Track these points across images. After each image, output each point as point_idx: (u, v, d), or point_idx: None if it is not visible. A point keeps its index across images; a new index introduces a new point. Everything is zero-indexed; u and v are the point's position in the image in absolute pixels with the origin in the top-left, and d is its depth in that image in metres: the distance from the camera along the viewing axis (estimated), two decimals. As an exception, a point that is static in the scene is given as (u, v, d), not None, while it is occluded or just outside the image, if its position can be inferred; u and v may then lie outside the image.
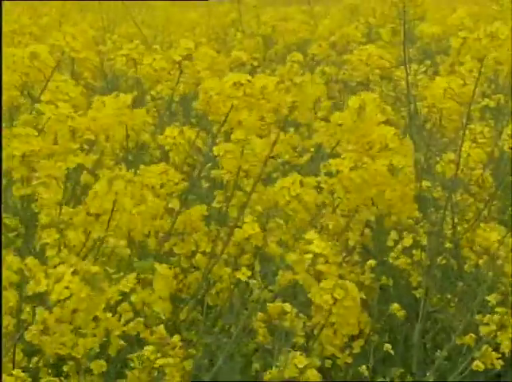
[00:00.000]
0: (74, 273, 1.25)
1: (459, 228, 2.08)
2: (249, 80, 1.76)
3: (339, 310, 1.44)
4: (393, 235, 2.10)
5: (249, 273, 1.83)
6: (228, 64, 2.40)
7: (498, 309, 1.77)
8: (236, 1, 4.27)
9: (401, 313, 1.96)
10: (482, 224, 2.02)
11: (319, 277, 1.47)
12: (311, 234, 1.53)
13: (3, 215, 2.07)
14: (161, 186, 1.90)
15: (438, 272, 2.08)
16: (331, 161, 1.74)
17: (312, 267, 1.47)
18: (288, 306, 1.58)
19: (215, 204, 1.97)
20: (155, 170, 1.89)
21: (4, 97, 2.11)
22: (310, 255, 1.47)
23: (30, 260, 1.51)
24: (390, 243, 2.11)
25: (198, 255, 1.94)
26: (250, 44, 3.76)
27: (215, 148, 1.85)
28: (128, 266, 1.68)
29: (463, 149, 2.00)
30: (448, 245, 2.09)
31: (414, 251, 2.05)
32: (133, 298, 1.53)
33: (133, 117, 1.85)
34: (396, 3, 2.43)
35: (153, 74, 2.07)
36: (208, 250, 1.92)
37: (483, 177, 2.13)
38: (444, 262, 2.07)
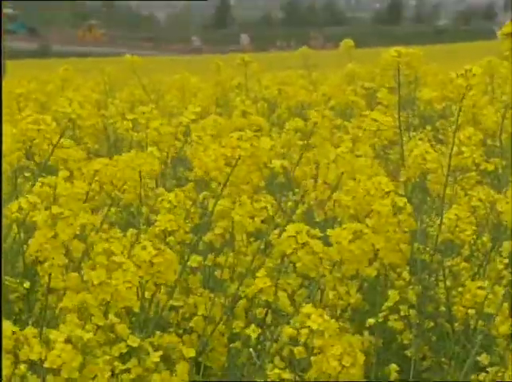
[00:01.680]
0: (67, 341, 1.23)
1: (453, 292, 2.07)
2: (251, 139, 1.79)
3: (345, 377, 1.43)
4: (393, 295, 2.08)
5: (258, 330, 1.81)
6: (233, 130, 2.44)
7: (490, 369, 1.76)
8: (241, 65, 4.36)
9: (395, 375, 1.94)
10: (471, 282, 2.01)
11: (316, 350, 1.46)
12: (308, 308, 1.52)
13: (5, 277, 2.06)
14: (170, 234, 1.91)
15: (431, 334, 2.06)
16: (329, 231, 1.74)
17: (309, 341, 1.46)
18: (287, 373, 1.56)
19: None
20: (164, 219, 1.91)
21: (7, 160, 2.13)
22: (306, 331, 1.46)
23: (28, 329, 1.49)
24: (383, 302, 2.09)
25: (195, 318, 1.92)
26: (254, 108, 3.84)
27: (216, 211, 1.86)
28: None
29: (455, 212, 2.02)
30: (441, 308, 2.08)
31: (401, 307, 2.03)
32: (155, 376, 1.51)
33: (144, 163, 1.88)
34: (395, 69, 2.49)
35: (158, 138, 2.11)
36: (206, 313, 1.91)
37: (482, 242, 2.14)
38: (433, 324, 2.05)
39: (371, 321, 1.89)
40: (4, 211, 1.96)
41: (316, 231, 1.75)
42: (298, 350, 1.47)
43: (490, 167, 2.50)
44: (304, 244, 1.71)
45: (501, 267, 1.97)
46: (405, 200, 1.70)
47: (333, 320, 1.49)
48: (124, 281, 1.52)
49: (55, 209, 1.62)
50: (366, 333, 1.93)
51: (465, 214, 2.05)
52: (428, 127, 3.32)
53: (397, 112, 3.15)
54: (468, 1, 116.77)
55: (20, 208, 1.90)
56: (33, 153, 2.17)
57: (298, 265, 1.71)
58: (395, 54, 2.39)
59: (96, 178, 1.94)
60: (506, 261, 1.97)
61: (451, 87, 2.08)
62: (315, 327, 1.46)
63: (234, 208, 1.86)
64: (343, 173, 1.95)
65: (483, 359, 1.79)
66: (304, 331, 1.47)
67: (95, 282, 1.53)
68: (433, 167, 2.06)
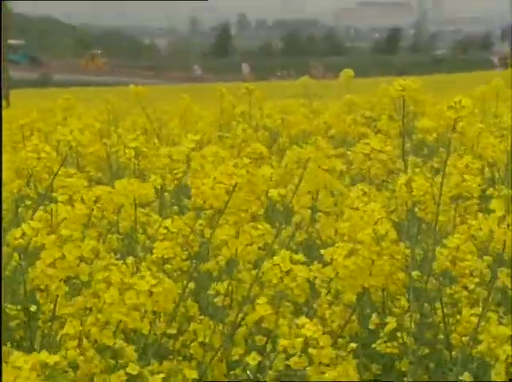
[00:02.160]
0: (32, 368, 1.23)
1: (450, 320, 2.08)
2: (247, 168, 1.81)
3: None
4: (375, 318, 2.09)
5: (258, 358, 1.81)
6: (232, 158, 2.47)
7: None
8: (245, 94, 4.41)
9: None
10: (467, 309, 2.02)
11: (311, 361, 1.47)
12: (302, 319, 1.54)
13: (6, 304, 2.07)
14: (168, 261, 1.91)
15: (429, 362, 2.06)
16: (323, 251, 1.76)
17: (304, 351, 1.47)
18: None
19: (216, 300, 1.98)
20: (160, 246, 1.92)
21: (8, 188, 2.16)
22: (301, 339, 1.48)
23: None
24: (372, 326, 2.10)
25: (194, 345, 1.93)
26: (256, 137, 3.88)
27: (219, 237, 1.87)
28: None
29: (456, 241, 2.03)
30: (440, 336, 2.09)
31: (399, 334, 2.03)
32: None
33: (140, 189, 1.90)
34: (394, 99, 2.52)
35: (160, 167, 2.13)
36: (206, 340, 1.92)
37: (481, 271, 2.15)
38: (431, 351, 2.05)
39: (353, 345, 1.89)
40: (6, 238, 1.98)
41: (300, 257, 1.76)
42: (294, 361, 1.47)
43: (489, 192, 2.53)
44: (288, 272, 1.73)
45: (498, 296, 1.98)
46: (387, 227, 1.71)
47: (331, 347, 1.50)
48: (137, 302, 1.53)
49: (64, 231, 1.63)
50: (364, 359, 1.94)
51: (465, 243, 2.07)
52: (426, 157, 3.35)
53: (395, 141, 3.19)
54: (465, 31, 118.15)
55: (23, 234, 1.91)
56: (34, 182, 2.20)
57: (287, 292, 1.72)
58: (400, 88, 2.43)
59: (98, 205, 1.96)
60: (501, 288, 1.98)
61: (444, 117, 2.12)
62: (309, 334, 1.47)
63: (235, 236, 1.87)
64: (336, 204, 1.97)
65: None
66: (299, 340, 1.48)
67: (108, 301, 1.54)
68: (420, 195, 2.07)
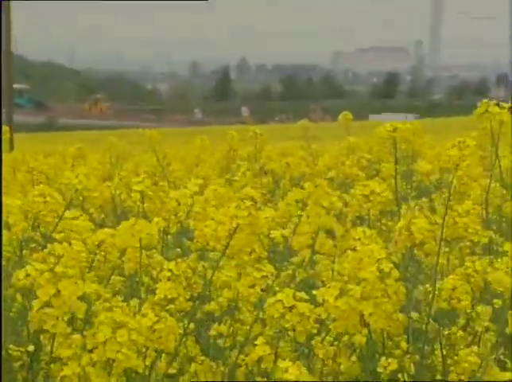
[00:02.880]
0: None
1: (448, 361, 2.09)
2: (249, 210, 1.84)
3: None
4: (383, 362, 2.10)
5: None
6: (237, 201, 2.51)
7: None
8: (252, 137, 4.47)
9: None
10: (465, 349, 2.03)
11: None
12: (285, 363, 1.55)
13: (9, 345, 2.08)
14: (170, 302, 1.92)
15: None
16: (315, 292, 1.78)
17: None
18: None
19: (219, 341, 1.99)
20: (163, 286, 1.93)
21: (13, 231, 2.19)
22: None
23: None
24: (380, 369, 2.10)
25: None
26: (257, 179, 3.92)
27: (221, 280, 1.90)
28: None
29: (451, 281, 2.05)
30: (437, 377, 2.09)
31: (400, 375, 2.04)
32: None
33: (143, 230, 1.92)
34: (391, 143, 2.57)
35: (170, 209, 2.15)
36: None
37: (474, 310, 2.17)
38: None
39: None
40: (11, 280, 2.00)
41: (303, 294, 1.78)
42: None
43: (484, 240, 2.56)
44: (291, 308, 1.75)
45: (493, 338, 2.00)
46: (391, 265, 1.74)
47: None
48: (129, 339, 1.55)
49: (58, 268, 1.64)
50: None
51: (461, 284, 2.09)
52: (424, 199, 3.40)
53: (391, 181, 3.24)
54: (461, 77, 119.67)
55: (27, 276, 1.92)
56: (39, 225, 2.23)
57: (288, 329, 1.74)
58: (390, 129, 2.49)
59: (101, 248, 1.98)
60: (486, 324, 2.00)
61: (445, 157, 2.16)
62: (292, 379, 1.48)
63: (237, 278, 1.90)
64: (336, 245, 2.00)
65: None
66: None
67: (100, 340, 1.56)
68: (420, 237, 2.11)
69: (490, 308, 2.12)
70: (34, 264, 1.84)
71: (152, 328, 1.69)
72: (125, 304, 1.96)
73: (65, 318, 1.72)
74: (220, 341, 2.12)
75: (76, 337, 1.74)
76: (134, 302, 2.12)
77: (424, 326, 2.11)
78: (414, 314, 2.13)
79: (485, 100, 2.49)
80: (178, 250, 2.55)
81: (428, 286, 2.26)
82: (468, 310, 2.12)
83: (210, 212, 2.04)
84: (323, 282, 2.16)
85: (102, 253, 2.02)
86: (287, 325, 1.74)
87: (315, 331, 1.78)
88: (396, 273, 1.73)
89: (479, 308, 2.11)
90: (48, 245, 1.95)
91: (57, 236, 1.97)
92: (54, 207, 2.15)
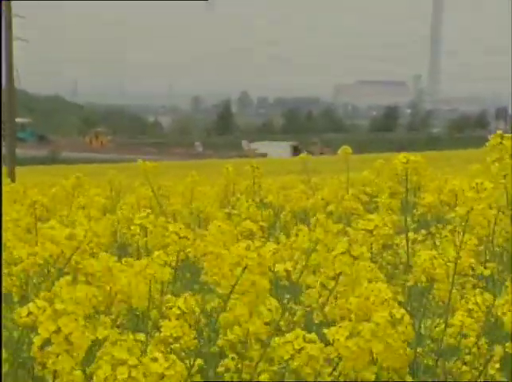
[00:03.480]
0: None
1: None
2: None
3: None
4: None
5: None
6: (236, 234, 2.51)
7: None
8: (247, 170, 4.49)
9: None
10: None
11: None
12: None
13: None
14: (177, 339, 1.90)
15: None
16: (326, 330, 1.77)
17: None
18: None
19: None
20: (169, 325, 1.92)
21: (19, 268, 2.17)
22: None
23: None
24: None
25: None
26: (257, 212, 3.93)
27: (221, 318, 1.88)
28: None
29: (459, 317, 2.04)
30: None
31: None
32: None
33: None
34: (399, 173, 2.58)
35: (171, 243, 2.15)
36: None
37: (478, 346, 2.15)
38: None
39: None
40: (14, 316, 1.98)
41: (313, 336, 1.77)
42: None
43: (486, 272, 2.55)
44: (300, 350, 1.73)
45: (493, 371, 1.98)
46: (403, 311, 1.73)
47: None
48: (129, 377, 1.53)
49: (58, 306, 1.63)
50: None
51: (469, 320, 2.07)
52: (423, 231, 3.39)
53: (395, 216, 3.24)
54: (461, 110, 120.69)
55: (29, 313, 1.90)
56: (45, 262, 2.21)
57: (297, 370, 1.72)
58: (404, 160, 2.50)
59: (110, 285, 1.96)
60: (498, 366, 1.98)
61: (462, 197, 2.15)
62: None
63: (248, 315, 1.88)
64: (339, 275, 1.99)
65: None
66: None
67: (101, 377, 1.54)
68: (440, 273, 2.10)
69: (500, 348, 2.10)
70: (36, 302, 1.83)
71: (162, 374, 1.67)
72: (131, 339, 1.94)
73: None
74: (227, 375, 2.10)
75: (78, 373, 1.72)
76: (141, 336, 2.10)
77: (430, 361, 2.09)
78: (420, 349, 2.12)
79: (499, 132, 2.50)
80: (179, 285, 2.54)
81: (434, 320, 2.24)
82: (473, 348, 2.10)
83: (218, 250, 2.03)
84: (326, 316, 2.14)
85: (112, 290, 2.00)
86: (295, 366, 1.72)
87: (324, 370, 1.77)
88: (407, 318, 1.72)
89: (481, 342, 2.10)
90: (56, 283, 1.94)
91: (63, 281, 1.96)
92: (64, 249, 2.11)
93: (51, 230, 1.98)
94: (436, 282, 2.19)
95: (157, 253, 2.04)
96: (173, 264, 2.10)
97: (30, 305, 1.87)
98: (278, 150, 55.21)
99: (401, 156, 2.56)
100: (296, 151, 58.33)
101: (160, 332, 1.96)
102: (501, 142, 2.42)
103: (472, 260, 2.31)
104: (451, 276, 2.10)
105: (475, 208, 2.16)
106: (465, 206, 2.21)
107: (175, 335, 1.91)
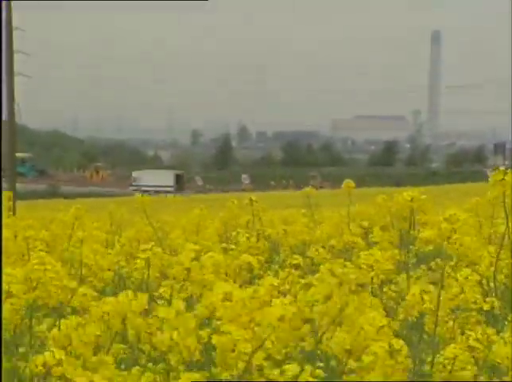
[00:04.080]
0: None
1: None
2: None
3: None
4: None
5: None
6: (234, 268, 2.51)
7: None
8: (248, 205, 4.50)
9: None
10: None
11: None
12: None
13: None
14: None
15: None
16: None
17: None
18: None
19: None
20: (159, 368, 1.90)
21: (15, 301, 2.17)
22: None
23: None
24: None
25: None
26: (257, 246, 3.93)
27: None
28: None
29: (453, 351, 2.03)
30: None
31: None
32: None
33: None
34: (395, 212, 2.59)
35: (176, 275, 2.14)
36: None
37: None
38: None
39: None
40: (29, 364, 1.96)
41: (320, 372, 1.76)
42: None
43: (486, 306, 2.55)
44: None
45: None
46: (401, 342, 1.73)
47: None
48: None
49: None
50: None
51: (463, 353, 2.07)
52: (423, 266, 3.39)
53: (393, 251, 3.24)
54: (459, 145, 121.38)
55: (44, 364, 1.87)
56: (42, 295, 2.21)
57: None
58: (408, 198, 2.51)
59: (106, 318, 1.95)
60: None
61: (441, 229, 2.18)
62: None
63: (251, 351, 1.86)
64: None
65: None
66: None
67: None
68: (430, 307, 2.10)
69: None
70: (54, 351, 1.79)
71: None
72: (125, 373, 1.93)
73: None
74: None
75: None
76: (137, 370, 2.09)
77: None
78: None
79: (501, 168, 2.53)
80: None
81: (430, 354, 2.23)
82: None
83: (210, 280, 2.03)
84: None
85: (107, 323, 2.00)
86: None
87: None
88: (405, 350, 1.72)
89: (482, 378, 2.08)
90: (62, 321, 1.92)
91: (72, 320, 1.94)
92: (54, 275, 2.14)
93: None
94: (427, 315, 2.19)
95: (162, 288, 2.02)
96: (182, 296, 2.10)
97: (46, 354, 1.81)
98: (162, 178, 55.45)
99: (406, 194, 2.57)
100: (179, 180, 58.74)
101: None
102: (504, 178, 2.45)
103: (477, 296, 2.30)
104: (441, 310, 2.10)
105: (451, 238, 2.17)
106: (462, 240, 2.22)
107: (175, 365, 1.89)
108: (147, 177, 56.45)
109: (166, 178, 57.10)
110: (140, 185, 53.24)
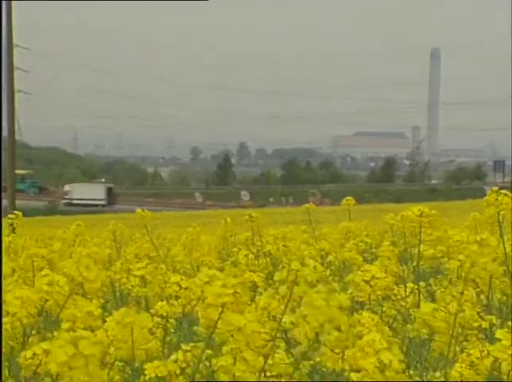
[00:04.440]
0: None
1: None
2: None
3: None
4: None
5: None
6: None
7: None
8: (248, 221, 4.50)
9: None
10: None
11: None
12: None
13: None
14: None
15: None
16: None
17: None
18: None
19: None
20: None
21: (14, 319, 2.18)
22: None
23: None
24: None
25: None
26: (256, 263, 3.94)
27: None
28: None
29: (457, 369, 2.03)
30: None
31: None
32: None
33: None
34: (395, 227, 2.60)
35: (172, 294, 2.13)
36: None
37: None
38: None
39: None
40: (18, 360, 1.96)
41: None
42: None
43: (485, 324, 2.55)
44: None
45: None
46: (391, 357, 1.72)
47: None
48: None
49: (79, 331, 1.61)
50: None
51: (469, 372, 2.06)
52: (422, 284, 3.39)
53: (393, 267, 3.23)
54: (458, 162, 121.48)
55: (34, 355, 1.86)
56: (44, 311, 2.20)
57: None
58: (418, 213, 2.52)
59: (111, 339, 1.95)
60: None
61: (464, 250, 2.17)
62: None
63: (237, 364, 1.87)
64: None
65: None
66: None
67: None
68: (441, 326, 2.09)
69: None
70: (42, 345, 1.78)
71: None
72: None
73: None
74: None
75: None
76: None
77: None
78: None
79: (494, 188, 2.55)
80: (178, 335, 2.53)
81: (433, 374, 2.23)
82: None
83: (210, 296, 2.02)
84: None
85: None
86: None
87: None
88: (396, 364, 1.71)
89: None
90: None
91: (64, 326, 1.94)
92: (61, 296, 2.10)
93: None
94: (436, 334, 2.19)
95: (160, 304, 2.03)
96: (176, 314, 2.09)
97: (35, 347, 1.80)
98: (93, 191, 55.43)
99: (416, 209, 2.57)
100: (110, 193, 58.82)
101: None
102: (497, 199, 2.46)
103: (476, 313, 2.31)
104: (452, 328, 2.10)
105: (478, 262, 2.18)
106: (469, 259, 2.23)
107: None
108: (78, 191, 56.41)
109: (97, 192, 57.08)
110: (72, 198, 53.31)
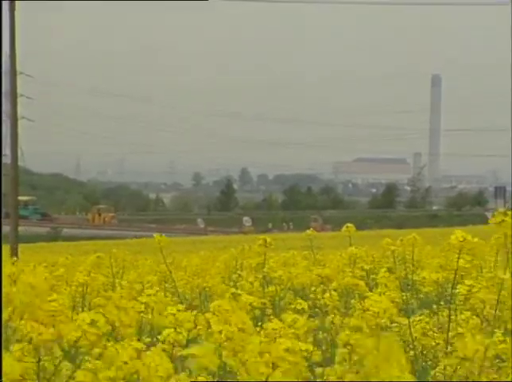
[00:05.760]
0: None
1: None
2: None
3: None
4: None
5: None
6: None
7: None
8: (260, 245, 4.51)
9: None
10: None
11: None
12: None
13: None
14: None
15: None
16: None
17: None
18: None
19: None
20: None
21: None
22: None
23: None
24: None
25: None
26: (258, 288, 3.94)
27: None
28: None
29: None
30: None
31: None
32: None
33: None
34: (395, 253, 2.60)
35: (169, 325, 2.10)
36: None
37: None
38: None
39: None
40: None
41: None
42: None
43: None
44: None
45: None
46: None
47: None
48: None
49: None
50: None
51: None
52: (426, 311, 3.39)
53: (394, 293, 3.23)
54: (460, 188, 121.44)
55: None
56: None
57: None
58: (461, 239, 2.51)
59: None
60: None
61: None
62: None
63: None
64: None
65: None
66: None
67: None
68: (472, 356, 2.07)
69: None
70: None
71: None
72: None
73: None
74: None
75: None
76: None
77: None
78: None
79: (501, 210, 2.55)
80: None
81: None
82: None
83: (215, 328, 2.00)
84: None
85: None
86: None
87: None
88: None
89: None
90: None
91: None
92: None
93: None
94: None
95: (167, 331, 2.00)
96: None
97: None
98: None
99: (459, 234, 2.55)
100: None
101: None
102: (504, 220, 2.47)
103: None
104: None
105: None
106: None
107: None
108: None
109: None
110: None
